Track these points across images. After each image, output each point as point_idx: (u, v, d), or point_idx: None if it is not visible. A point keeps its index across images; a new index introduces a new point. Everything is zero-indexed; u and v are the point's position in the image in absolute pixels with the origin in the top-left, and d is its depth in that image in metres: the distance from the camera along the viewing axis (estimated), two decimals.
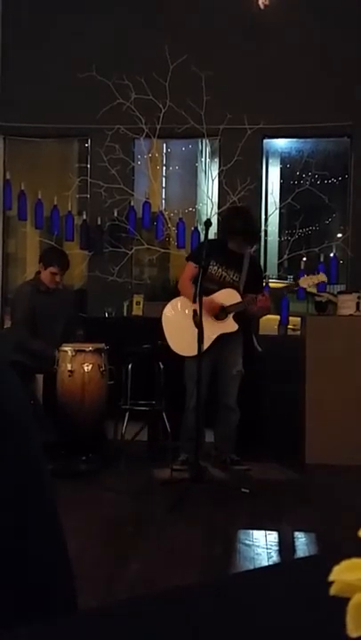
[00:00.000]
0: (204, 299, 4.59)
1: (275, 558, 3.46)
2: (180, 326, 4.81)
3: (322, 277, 5.08)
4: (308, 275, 5.13)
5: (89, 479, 4.70)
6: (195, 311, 4.54)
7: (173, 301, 4.96)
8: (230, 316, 4.73)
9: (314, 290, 5.47)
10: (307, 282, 5.01)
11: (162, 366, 5.15)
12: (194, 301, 4.52)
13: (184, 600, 0.69)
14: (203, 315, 4.48)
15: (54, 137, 6.73)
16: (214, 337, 4.70)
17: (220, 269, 4.81)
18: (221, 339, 4.67)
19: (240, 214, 5.08)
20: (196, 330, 4.51)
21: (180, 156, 9.39)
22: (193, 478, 4.35)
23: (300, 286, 5.14)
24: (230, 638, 0.61)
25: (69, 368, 4.92)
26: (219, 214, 6.16)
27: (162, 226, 6.41)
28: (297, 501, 4.52)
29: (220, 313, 4.73)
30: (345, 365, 5.30)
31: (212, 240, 5.17)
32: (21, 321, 5.23)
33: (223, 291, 4.81)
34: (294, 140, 7.10)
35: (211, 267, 4.82)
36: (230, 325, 4.73)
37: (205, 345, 4.64)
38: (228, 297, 4.67)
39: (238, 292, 4.79)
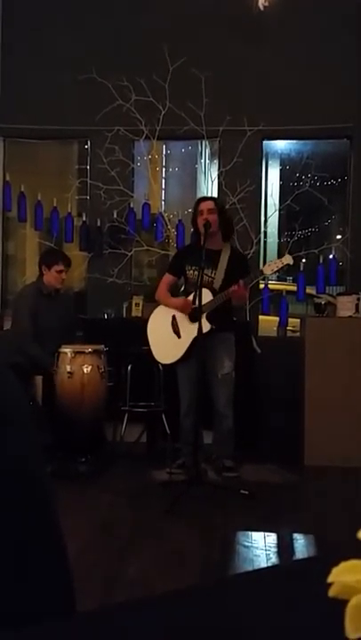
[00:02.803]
0: (179, 299, 4.80)
1: (273, 560, 3.46)
2: (159, 335, 4.85)
3: (286, 260, 4.76)
4: (274, 267, 4.81)
5: (88, 480, 4.70)
6: (173, 317, 4.81)
7: (155, 312, 4.97)
8: (203, 315, 4.55)
9: (277, 265, 4.78)
10: (271, 267, 4.78)
11: (161, 368, 5.15)
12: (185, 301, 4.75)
13: (183, 602, 0.69)
14: (179, 319, 4.77)
15: (54, 138, 6.73)
16: (190, 340, 4.65)
17: (195, 272, 4.75)
18: (204, 341, 4.50)
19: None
20: (175, 337, 4.77)
21: (179, 157, 9.39)
22: (191, 480, 4.34)
23: (266, 274, 4.92)
24: None
25: (69, 369, 4.91)
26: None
27: (161, 227, 6.41)
28: (296, 503, 4.52)
29: (194, 314, 4.58)
30: (344, 367, 5.30)
31: (187, 246, 5.36)
32: (24, 324, 5.22)
33: (194, 293, 4.65)
34: (294, 141, 7.11)
35: (187, 271, 4.86)
36: (204, 326, 4.53)
37: (181, 351, 4.68)
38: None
39: (212, 289, 4.69)
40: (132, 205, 6.41)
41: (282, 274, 8.29)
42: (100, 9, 6.38)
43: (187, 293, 4.86)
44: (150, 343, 4.89)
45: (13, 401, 0.83)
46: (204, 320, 4.56)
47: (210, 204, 4.84)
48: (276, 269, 4.83)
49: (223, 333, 4.75)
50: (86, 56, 6.24)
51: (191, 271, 4.83)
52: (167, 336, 4.81)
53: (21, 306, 5.37)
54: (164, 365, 4.99)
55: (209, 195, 6.41)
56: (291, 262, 4.83)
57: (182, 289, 5.12)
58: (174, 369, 4.89)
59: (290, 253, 6.11)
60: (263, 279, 6.15)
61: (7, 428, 0.79)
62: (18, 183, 6.58)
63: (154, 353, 4.87)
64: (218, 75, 6.08)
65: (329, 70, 6.18)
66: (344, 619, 0.47)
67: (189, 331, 4.64)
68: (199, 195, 8.44)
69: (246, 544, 3.67)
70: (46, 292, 5.26)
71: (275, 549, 3.64)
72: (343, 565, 0.49)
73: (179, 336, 4.76)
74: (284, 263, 4.77)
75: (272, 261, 4.91)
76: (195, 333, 4.50)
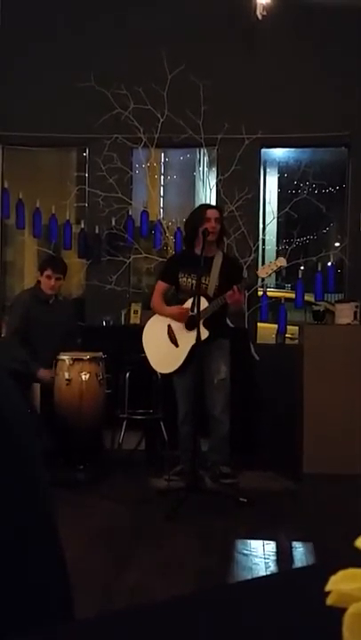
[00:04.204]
0: (174, 308, 4.76)
1: (272, 568, 3.45)
2: (156, 344, 4.83)
3: (280, 262, 4.80)
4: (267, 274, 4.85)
5: (86, 488, 4.69)
6: (168, 326, 4.79)
7: (149, 321, 4.97)
8: (200, 323, 4.54)
9: (274, 267, 4.83)
10: (265, 270, 4.80)
11: (159, 375, 5.14)
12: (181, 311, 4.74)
13: (181, 610, 0.69)
14: (175, 328, 4.74)
15: (53, 146, 6.75)
16: (188, 349, 4.63)
17: (188, 279, 4.76)
18: (201, 347, 4.50)
19: (188, 217, 5.01)
20: (172, 346, 4.74)
21: (178, 165, 9.44)
22: (190, 488, 4.33)
23: (260, 276, 4.95)
24: None
25: (67, 376, 4.91)
26: None
27: (160, 235, 6.42)
28: (295, 511, 4.51)
29: (190, 322, 4.60)
30: (343, 374, 5.30)
31: (178, 253, 5.32)
32: (13, 328, 5.23)
33: (190, 300, 4.68)
34: (292, 149, 7.13)
35: (180, 279, 4.84)
36: (201, 333, 4.54)
37: (180, 360, 4.67)
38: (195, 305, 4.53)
39: (207, 296, 4.68)
40: (130, 213, 6.42)
41: (280, 281, 8.29)
42: (99, 17, 6.41)
43: (180, 301, 4.83)
44: (147, 353, 4.85)
45: (13, 406, 0.83)
46: (201, 327, 4.56)
47: (217, 213, 4.82)
48: (270, 272, 4.85)
49: (219, 340, 4.75)
50: (85, 64, 6.26)
51: (184, 278, 4.82)
52: (164, 345, 4.79)
53: (14, 309, 5.40)
54: (162, 374, 4.99)
55: (208, 202, 6.42)
56: (284, 264, 4.87)
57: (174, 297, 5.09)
58: (171, 377, 4.88)
59: (288, 261, 6.14)
60: (262, 286, 6.16)
61: (6, 434, 0.79)
62: (16, 190, 6.59)
63: (151, 363, 4.84)
64: (216, 83, 6.09)
65: (327, 78, 6.20)
66: (342, 627, 0.47)
67: (187, 339, 4.63)
68: (198, 202, 8.49)
69: (245, 552, 3.66)
70: (43, 298, 5.26)
71: (273, 557, 3.64)
72: (341, 573, 0.49)
73: (176, 345, 4.75)
74: (278, 265, 4.81)
75: (266, 264, 4.94)
76: (192, 341, 4.50)
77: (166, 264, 5.23)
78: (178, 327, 4.76)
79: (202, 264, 4.51)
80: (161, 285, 4.98)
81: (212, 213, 4.79)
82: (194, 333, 4.44)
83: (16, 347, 5.09)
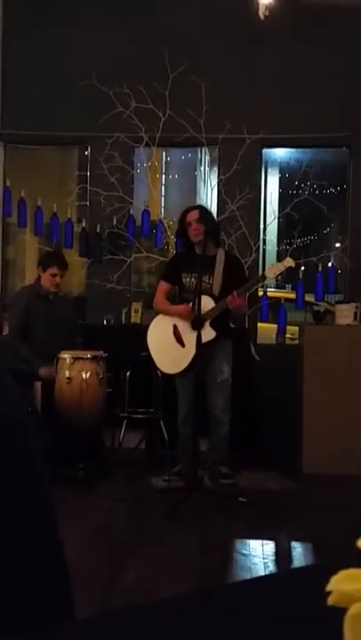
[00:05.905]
0: (180, 306, 4.75)
1: (271, 568, 3.45)
2: (161, 344, 4.82)
3: (288, 263, 4.75)
4: (273, 275, 4.86)
5: (86, 487, 4.69)
6: (174, 326, 4.77)
7: (154, 321, 4.95)
8: (207, 323, 4.58)
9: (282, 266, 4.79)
10: (273, 271, 4.78)
11: (160, 375, 5.14)
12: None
13: (180, 609, 0.69)
14: (181, 328, 4.72)
15: (54, 144, 6.74)
16: (195, 349, 4.63)
17: (192, 279, 4.75)
18: (205, 348, 4.52)
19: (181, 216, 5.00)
20: (178, 346, 4.73)
21: (179, 164, 9.43)
22: (189, 487, 4.33)
23: (268, 277, 4.95)
24: None
25: (68, 375, 4.91)
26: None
27: (161, 234, 6.42)
28: (294, 511, 4.51)
29: (196, 322, 4.57)
30: (343, 375, 5.30)
31: (180, 253, 5.28)
32: (15, 326, 5.24)
33: (193, 301, 4.67)
34: (293, 149, 7.13)
35: (184, 279, 4.84)
36: (208, 333, 4.58)
37: (187, 360, 4.66)
38: (202, 305, 4.52)
39: (212, 295, 4.68)
40: (131, 212, 6.42)
41: (281, 282, 8.28)
42: (101, 16, 6.40)
43: (184, 301, 4.83)
44: (152, 353, 4.83)
45: (14, 406, 0.83)
46: (208, 328, 4.57)
47: (196, 214, 4.80)
48: (278, 272, 4.84)
49: (222, 340, 4.75)
50: (87, 62, 6.26)
51: (188, 278, 4.82)
52: (170, 345, 4.77)
53: (14, 306, 5.40)
54: (163, 373, 4.97)
55: (208, 203, 6.42)
56: (293, 265, 4.83)
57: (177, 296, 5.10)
58: (173, 376, 4.87)
59: None
60: (262, 286, 6.16)
61: (7, 434, 0.79)
62: (18, 189, 6.59)
63: (157, 363, 4.83)
64: (218, 82, 6.09)
65: (329, 79, 6.20)
66: (343, 627, 0.47)
67: (193, 339, 4.61)
68: (199, 201, 8.50)
69: (244, 552, 3.66)
70: (43, 294, 5.26)
71: (272, 557, 3.64)
72: (342, 574, 0.49)
73: (182, 345, 4.73)
74: (286, 266, 4.77)
75: (274, 265, 4.91)
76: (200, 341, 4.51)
77: (168, 264, 5.22)
78: (184, 327, 4.74)
79: (203, 264, 4.51)
80: (164, 286, 4.97)
81: (190, 216, 4.79)
82: (201, 333, 4.44)
83: (19, 345, 5.10)
